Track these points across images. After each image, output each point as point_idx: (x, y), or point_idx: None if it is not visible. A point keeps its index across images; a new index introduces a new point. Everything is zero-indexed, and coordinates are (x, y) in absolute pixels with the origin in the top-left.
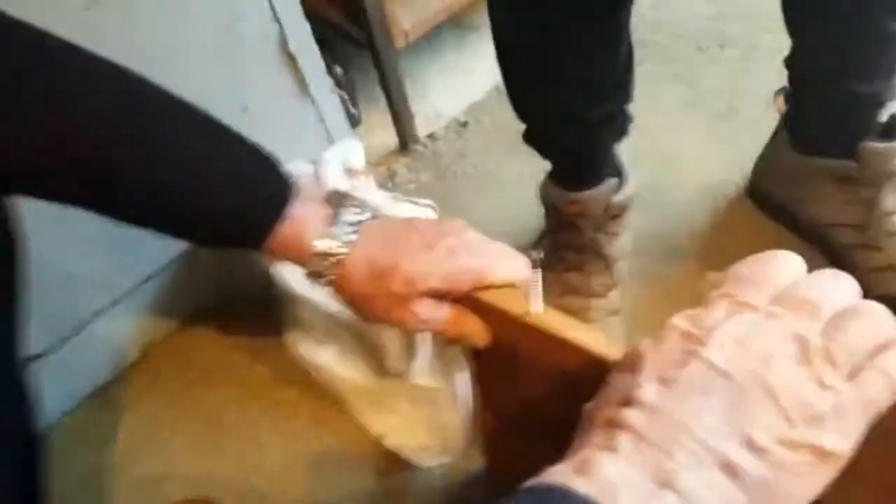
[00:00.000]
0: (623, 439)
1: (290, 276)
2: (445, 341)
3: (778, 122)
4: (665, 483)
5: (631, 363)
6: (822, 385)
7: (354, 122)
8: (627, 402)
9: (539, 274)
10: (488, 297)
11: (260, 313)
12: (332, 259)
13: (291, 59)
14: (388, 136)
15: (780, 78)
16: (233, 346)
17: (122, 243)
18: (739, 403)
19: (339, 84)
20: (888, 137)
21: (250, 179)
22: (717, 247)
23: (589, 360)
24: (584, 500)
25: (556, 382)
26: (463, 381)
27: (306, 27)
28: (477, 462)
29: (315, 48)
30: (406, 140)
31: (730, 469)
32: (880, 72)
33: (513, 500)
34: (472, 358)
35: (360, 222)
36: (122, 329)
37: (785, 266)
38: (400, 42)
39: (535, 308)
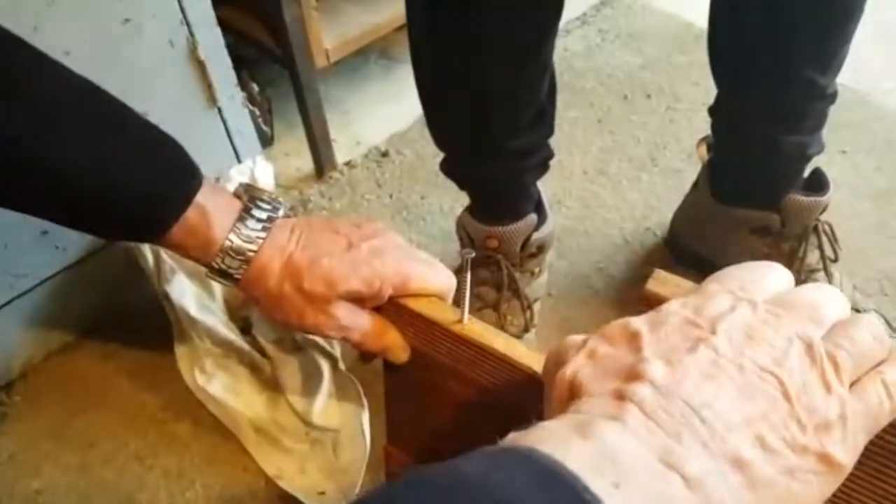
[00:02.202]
0: (632, 412)
1: (185, 296)
2: (359, 357)
3: (699, 172)
4: (671, 466)
5: (627, 338)
6: (828, 391)
7: (266, 140)
8: (632, 376)
9: (468, 278)
10: (411, 305)
11: (151, 336)
12: (241, 257)
13: (200, 67)
14: (303, 161)
15: (703, 129)
16: (120, 371)
17: None
18: (752, 398)
19: (252, 100)
20: (812, 190)
21: (158, 164)
22: (632, 294)
23: (520, 376)
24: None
25: (476, 409)
26: (364, 422)
27: (218, 34)
28: None
29: (227, 58)
30: (322, 165)
31: (739, 465)
32: (806, 124)
33: (502, 460)
34: (384, 377)
35: (270, 218)
36: None
37: (780, 274)
38: (321, 61)
39: (465, 317)
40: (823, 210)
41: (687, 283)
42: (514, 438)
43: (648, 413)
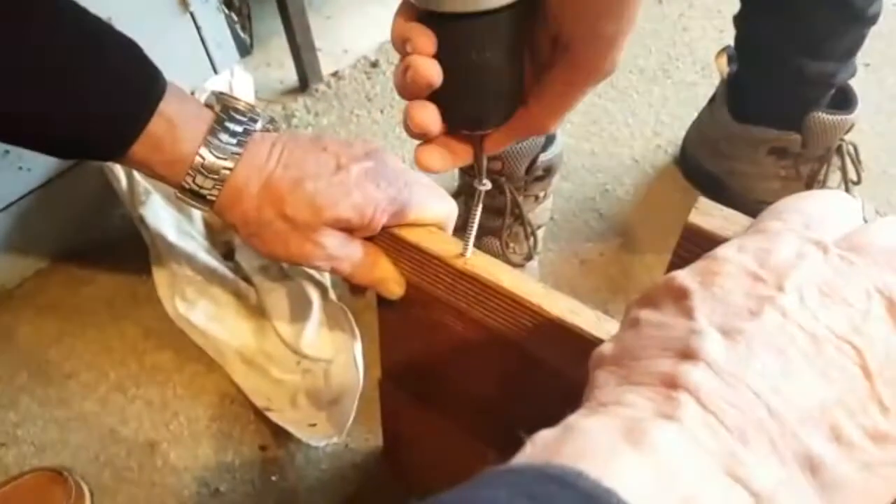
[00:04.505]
0: (689, 407)
1: (161, 220)
2: (349, 290)
3: (717, 86)
4: (738, 479)
5: (673, 297)
6: None
7: (244, 49)
8: (685, 354)
9: (479, 211)
10: (408, 236)
11: (129, 260)
12: (215, 175)
13: None
14: (286, 72)
15: (718, 39)
16: (97, 298)
17: None
18: (828, 377)
19: (229, 4)
20: (838, 108)
21: (114, 68)
22: (641, 219)
23: (527, 314)
24: None
25: (477, 348)
26: (357, 353)
27: None
28: (370, 440)
29: None
30: (306, 76)
31: (812, 467)
32: (837, 49)
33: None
34: (377, 313)
35: (247, 132)
36: None
37: (849, 207)
38: None
39: (469, 251)
40: (849, 129)
41: (737, 216)
42: (549, 449)
43: (707, 405)
